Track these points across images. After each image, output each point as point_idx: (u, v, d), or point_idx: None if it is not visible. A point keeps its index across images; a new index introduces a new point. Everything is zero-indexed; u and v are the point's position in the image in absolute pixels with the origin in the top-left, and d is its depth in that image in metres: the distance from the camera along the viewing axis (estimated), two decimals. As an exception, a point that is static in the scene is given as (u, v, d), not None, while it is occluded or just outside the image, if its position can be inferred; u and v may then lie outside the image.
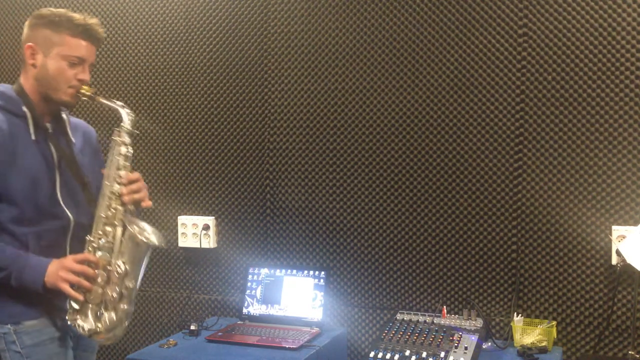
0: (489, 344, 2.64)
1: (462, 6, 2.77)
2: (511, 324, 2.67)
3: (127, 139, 2.03)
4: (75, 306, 1.92)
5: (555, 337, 2.64)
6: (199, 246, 3.19)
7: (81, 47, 1.98)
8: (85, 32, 1.98)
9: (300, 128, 3.05)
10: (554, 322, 2.64)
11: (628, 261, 2.45)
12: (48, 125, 2.04)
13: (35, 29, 1.98)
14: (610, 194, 2.61)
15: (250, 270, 3.02)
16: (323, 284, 2.88)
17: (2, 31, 3.58)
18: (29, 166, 1.95)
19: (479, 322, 2.62)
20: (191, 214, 3.24)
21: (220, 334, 2.78)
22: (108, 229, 1.97)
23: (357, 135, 2.96)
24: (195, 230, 3.19)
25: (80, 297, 1.91)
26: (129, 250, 1.96)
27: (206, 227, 3.18)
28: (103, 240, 1.96)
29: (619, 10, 2.57)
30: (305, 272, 2.93)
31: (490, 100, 2.75)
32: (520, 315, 2.69)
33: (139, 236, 1.95)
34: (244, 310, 2.97)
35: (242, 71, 3.13)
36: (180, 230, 3.22)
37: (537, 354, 2.50)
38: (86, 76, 2.01)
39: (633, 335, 2.56)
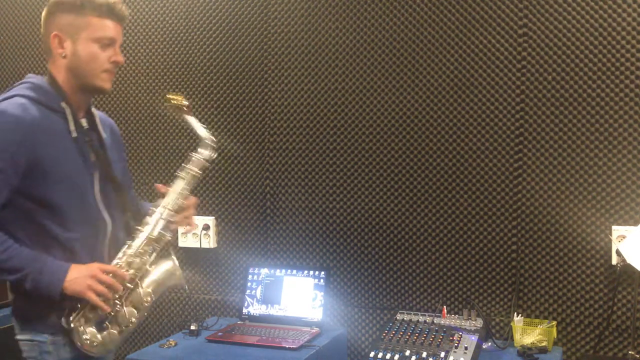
0: (489, 344, 2.64)
1: (462, 6, 2.77)
2: (511, 324, 2.66)
3: (198, 171, 2.00)
4: (89, 314, 1.85)
5: (555, 337, 2.64)
6: (199, 246, 3.19)
7: (109, 27, 1.88)
8: (110, 11, 1.88)
9: (300, 128, 3.05)
10: (554, 322, 2.63)
11: (628, 261, 2.45)
12: (83, 121, 1.93)
13: (57, 16, 1.86)
14: (610, 194, 2.61)
15: (250, 270, 3.02)
16: (323, 284, 2.88)
17: (2, 31, 3.59)
18: (70, 168, 1.85)
19: (479, 322, 2.62)
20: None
21: (220, 334, 2.78)
22: (148, 249, 1.93)
23: (357, 135, 2.96)
24: (195, 230, 3.19)
25: (108, 309, 1.84)
26: (161, 279, 1.93)
27: (206, 227, 3.18)
28: (138, 259, 1.91)
29: (619, 10, 2.56)
30: (305, 272, 2.92)
31: (490, 100, 2.75)
32: (520, 315, 2.69)
33: (179, 271, 1.94)
34: (244, 310, 2.97)
35: (242, 71, 3.13)
36: (180, 230, 3.21)
37: (537, 354, 2.50)
38: (120, 58, 1.91)
39: (633, 335, 2.56)
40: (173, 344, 2.71)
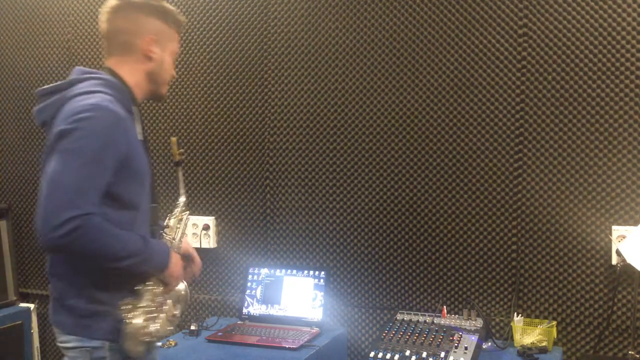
0: (489, 344, 2.64)
1: (462, 6, 2.77)
2: (511, 324, 2.66)
3: (184, 214, 2.04)
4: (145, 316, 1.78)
5: (555, 337, 2.64)
6: (199, 246, 3.19)
7: (179, 43, 1.97)
8: (181, 28, 1.96)
9: (300, 128, 3.05)
10: (554, 322, 2.63)
11: (628, 261, 2.45)
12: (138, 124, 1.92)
13: (144, 17, 1.84)
14: (610, 194, 2.61)
15: (250, 270, 3.02)
16: (323, 284, 2.88)
17: (2, 31, 3.58)
18: (144, 170, 1.83)
19: (479, 322, 2.62)
20: (191, 214, 3.23)
21: (220, 334, 2.78)
22: None
23: (357, 135, 2.96)
24: (195, 230, 3.19)
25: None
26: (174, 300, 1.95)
27: (206, 227, 3.18)
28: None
29: (619, 10, 2.56)
30: (305, 272, 2.93)
31: (490, 100, 2.75)
32: (520, 315, 2.69)
33: (187, 299, 1.98)
34: (244, 310, 2.97)
35: (242, 71, 3.13)
36: (180, 230, 3.21)
37: (537, 354, 2.50)
38: (175, 73, 1.99)
39: (633, 335, 2.56)
40: (173, 344, 2.71)
